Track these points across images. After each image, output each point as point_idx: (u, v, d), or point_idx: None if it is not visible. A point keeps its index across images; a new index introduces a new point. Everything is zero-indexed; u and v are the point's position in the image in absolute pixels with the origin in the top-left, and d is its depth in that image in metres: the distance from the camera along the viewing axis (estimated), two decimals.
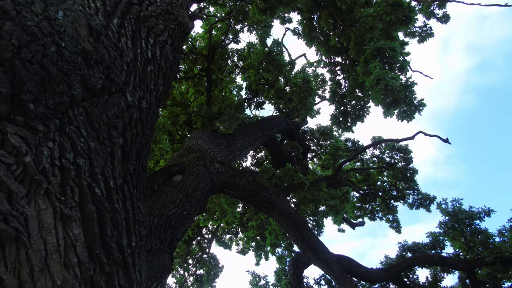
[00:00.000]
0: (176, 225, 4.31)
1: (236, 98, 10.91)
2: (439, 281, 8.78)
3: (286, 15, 10.58)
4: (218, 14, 10.59)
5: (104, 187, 1.55)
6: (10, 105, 1.18)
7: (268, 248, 9.87)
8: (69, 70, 1.36)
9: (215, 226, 12.00)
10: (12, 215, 1.14)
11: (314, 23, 8.40)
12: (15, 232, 1.13)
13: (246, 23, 10.32)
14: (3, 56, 1.12)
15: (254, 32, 10.83)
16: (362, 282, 9.26)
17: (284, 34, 11.70)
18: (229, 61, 10.70)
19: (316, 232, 9.41)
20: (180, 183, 4.95)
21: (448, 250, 12.30)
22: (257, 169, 11.46)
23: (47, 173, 1.28)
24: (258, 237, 10.76)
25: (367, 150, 10.91)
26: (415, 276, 9.01)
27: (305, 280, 9.73)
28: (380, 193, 10.47)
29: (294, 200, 8.70)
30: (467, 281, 8.22)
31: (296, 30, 10.28)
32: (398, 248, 9.33)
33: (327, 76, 11.75)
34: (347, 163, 10.49)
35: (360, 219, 11.29)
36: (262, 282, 11.23)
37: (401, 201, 10.19)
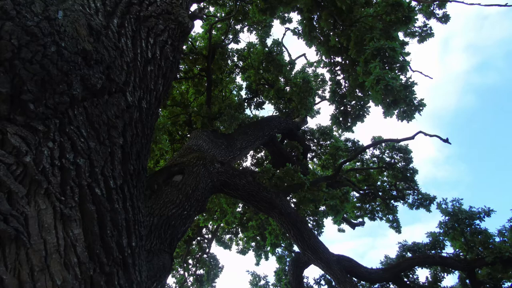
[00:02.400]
0: (176, 225, 4.31)
1: (236, 98, 10.90)
2: (439, 281, 8.78)
3: (286, 15, 10.58)
4: (218, 14, 10.59)
5: (104, 187, 1.55)
6: (10, 105, 1.18)
7: (268, 248, 9.88)
8: (69, 70, 1.36)
9: (215, 226, 12.00)
10: (12, 215, 1.14)
11: (314, 23, 8.40)
12: (15, 232, 1.13)
13: (246, 23, 10.31)
14: (3, 56, 1.12)
15: (254, 32, 10.83)
16: (362, 282, 9.26)
17: (284, 34, 11.70)
18: (229, 61, 10.70)
19: (316, 232, 9.42)
20: (180, 183, 4.95)
21: (448, 250, 12.33)
22: (257, 169, 11.46)
23: (47, 173, 1.28)
24: (258, 237, 10.76)
25: (367, 150, 10.91)
26: (415, 276, 9.01)
27: (305, 280, 9.73)
28: (380, 193, 10.47)
29: (294, 200, 8.70)
30: (467, 281, 8.22)
31: (296, 30, 10.28)
32: (398, 248, 9.34)
33: (327, 76, 11.79)
34: (347, 163, 10.49)
35: (360, 219, 11.30)
36: (262, 282, 11.24)
37: (401, 201, 10.19)
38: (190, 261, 11.21)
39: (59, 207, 1.30)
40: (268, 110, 76.89)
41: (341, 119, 8.87)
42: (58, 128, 1.36)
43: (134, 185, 1.84)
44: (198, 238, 11.63)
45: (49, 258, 1.21)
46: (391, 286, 9.14)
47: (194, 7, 6.45)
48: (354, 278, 8.04)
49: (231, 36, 10.44)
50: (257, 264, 11.49)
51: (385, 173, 10.76)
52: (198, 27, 13.80)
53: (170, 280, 11.40)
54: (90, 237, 1.42)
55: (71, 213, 1.34)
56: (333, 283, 9.55)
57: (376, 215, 10.70)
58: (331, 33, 8.19)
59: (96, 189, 1.49)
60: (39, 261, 1.18)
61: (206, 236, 12.01)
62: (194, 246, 11.52)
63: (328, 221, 23.44)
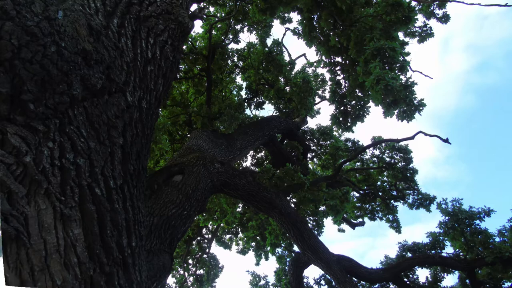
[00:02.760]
0: (176, 225, 4.31)
1: (236, 98, 10.91)
2: (439, 281, 8.78)
3: (286, 15, 10.58)
4: (218, 14, 10.59)
5: (104, 187, 1.55)
6: (10, 105, 1.18)
7: (268, 248, 9.88)
8: (69, 70, 1.36)
9: (215, 226, 12.00)
10: (12, 215, 1.14)
11: (314, 23, 8.40)
12: (15, 232, 1.13)
13: (246, 23, 10.31)
14: (3, 56, 1.12)
15: (254, 32, 10.83)
16: (362, 282, 9.26)
17: (284, 34, 11.69)
18: (229, 61, 10.70)
19: (316, 232, 9.42)
20: (180, 183, 4.95)
21: (448, 250, 12.31)
22: (257, 169, 11.46)
23: (47, 173, 1.28)
24: (258, 237, 10.76)
25: (367, 150, 10.91)
26: (415, 276, 9.01)
27: (305, 280, 9.73)
28: (380, 193, 10.47)
29: (294, 200, 8.70)
30: (467, 281, 8.22)
31: (296, 30, 10.28)
32: (398, 248, 9.34)
33: (327, 76, 11.78)
34: (347, 163, 10.49)
35: (360, 219, 11.30)
36: (262, 282, 11.24)
37: (401, 201, 10.19)
38: (190, 261, 11.21)
39: (59, 207, 1.30)
40: (268, 110, 76.80)
41: (341, 119, 8.87)
42: (58, 128, 1.36)
43: (134, 185, 1.84)
44: (198, 238, 11.63)
45: (49, 258, 1.21)
46: (391, 286, 9.14)
47: (194, 7, 6.45)
48: (354, 278, 8.04)
49: (231, 36, 10.44)
50: (257, 264, 11.50)
51: (385, 173, 10.76)
52: (198, 27, 13.79)
53: (170, 280, 11.39)
54: (90, 237, 1.42)
55: (71, 213, 1.34)
56: (333, 283, 9.55)
57: (376, 215, 10.70)
58: (331, 33, 8.19)
59: (96, 189, 1.49)
60: (39, 261, 1.18)
61: (206, 236, 12.01)
62: (194, 246, 11.52)
63: (328, 221, 23.43)
